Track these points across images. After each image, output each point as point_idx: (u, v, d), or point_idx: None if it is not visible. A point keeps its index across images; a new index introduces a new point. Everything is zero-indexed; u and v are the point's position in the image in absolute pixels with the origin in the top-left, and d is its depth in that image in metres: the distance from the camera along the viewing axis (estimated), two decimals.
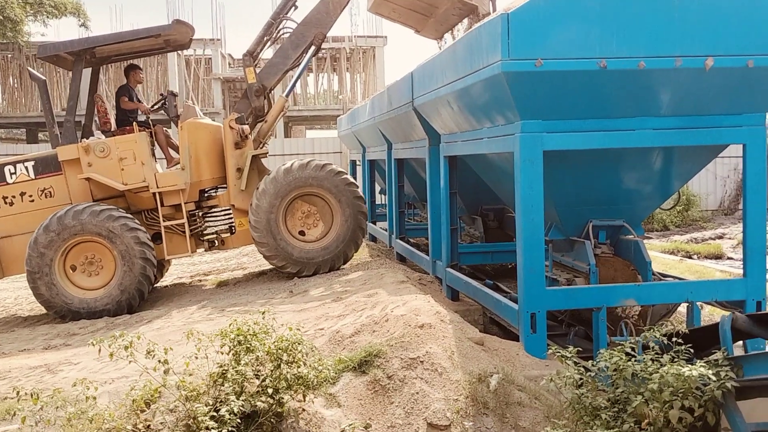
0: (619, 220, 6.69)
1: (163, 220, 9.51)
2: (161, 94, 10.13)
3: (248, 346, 4.98)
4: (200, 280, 11.14)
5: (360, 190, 9.80)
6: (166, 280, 11.67)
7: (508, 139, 5.96)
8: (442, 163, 8.09)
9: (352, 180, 9.70)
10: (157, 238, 9.58)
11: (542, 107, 5.64)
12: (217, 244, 10.13)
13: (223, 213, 10.13)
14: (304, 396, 4.89)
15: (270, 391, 4.72)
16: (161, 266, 10.84)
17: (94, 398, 4.80)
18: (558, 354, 4.81)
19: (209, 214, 10.13)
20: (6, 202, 9.40)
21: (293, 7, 10.27)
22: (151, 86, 29.26)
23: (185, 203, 9.58)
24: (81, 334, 8.04)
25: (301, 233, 9.63)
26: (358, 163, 16.98)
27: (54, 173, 9.44)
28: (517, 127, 5.74)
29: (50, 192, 9.45)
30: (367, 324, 6.07)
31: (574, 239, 6.76)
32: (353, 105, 23.66)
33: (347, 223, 9.55)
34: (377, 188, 15.70)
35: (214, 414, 4.49)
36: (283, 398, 4.79)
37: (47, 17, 31.71)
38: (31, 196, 9.42)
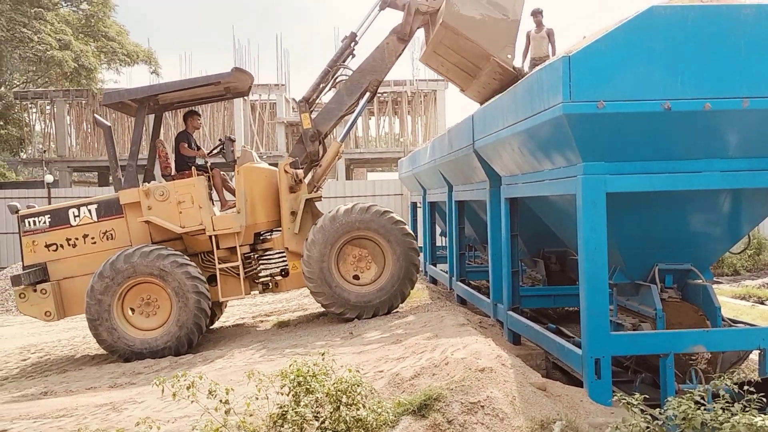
0: (686, 264, 6.50)
1: (219, 262, 9.67)
2: (220, 140, 10.38)
3: (308, 387, 4.99)
4: (261, 321, 11.25)
5: (408, 227, 9.82)
6: (228, 320, 11.82)
7: (570, 181, 5.91)
8: (503, 205, 8.04)
9: (398, 218, 9.76)
10: (212, 280, 9.74)
11: (605, 149, 5.58)
12: (271, 286, 10.24)
13: (277, 256, 10.25)
14: None
15: None
16: (217, 308, 11.01)
17: None
18: (624, 401, 4.68)
19: (264, 257, 10.25)
20: (69, 244, 9.68)
21: (350, 56, 10.47)
22: (217, 130, 30.00)
23: (240, 246, 9.73)
24: (145, 373, 8.18)
25: (356, 277, 9.70)
26: (418, 205, 17.01)
27: (115, 216, 9.71)
28: (579, 168, 5.68)
29: (111, 234, 9.70)
30: (427, 367, 6.02)
31: (640, 283, 6.60)
32: (414, 147, 23.82)
33: (399, 262, 9.59)
34: (438, 230, 15.69)
35: None
36: None
37: (120, 65, 33.01)
38: (93, 238, 9.69)
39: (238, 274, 9.77)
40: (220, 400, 4.92)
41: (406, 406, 5.31)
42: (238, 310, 12.79)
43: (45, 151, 31.13)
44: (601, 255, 5.66)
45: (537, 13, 12.58)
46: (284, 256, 10.14)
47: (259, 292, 10.41)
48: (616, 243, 6.18)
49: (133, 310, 9.28)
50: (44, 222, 9.71)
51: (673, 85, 5.38)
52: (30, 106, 32.03)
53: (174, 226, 9.51)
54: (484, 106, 8.30)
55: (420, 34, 10.60)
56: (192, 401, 4.98)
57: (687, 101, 5.37)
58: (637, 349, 6.00)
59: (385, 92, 29.97)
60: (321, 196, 10.30)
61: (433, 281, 14.16)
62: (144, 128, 10.03)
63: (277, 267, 10.29)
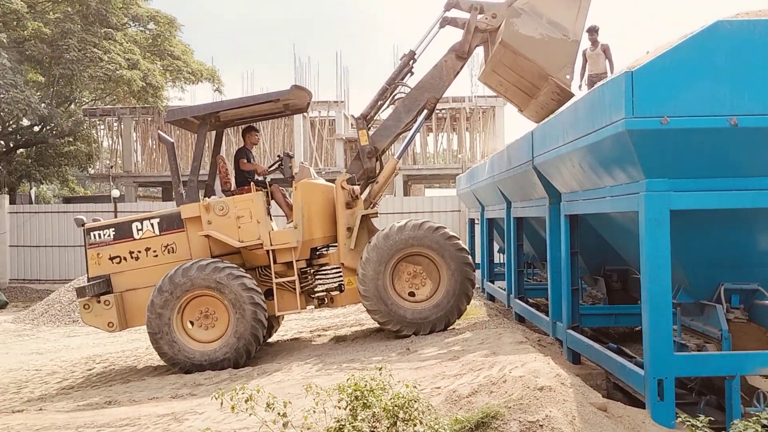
0: (753, 284, 6.31)
1: (276, 277, 9.78)
2: (278, 156, 10.50)
3: (365, 402, 5.00)
4: (319, 335, 11.32)
5: (462, 242, 9.76)
6: (286, 334, 11.93)
7: (632, 197, 5.81)
8: (562, 222, 7.95)
9: (452, 233, 9.72)
10: (269, 294, 9.86)
11: (668, 165, 5.48)
12: (326, 301, 10.29)
13: (333, 271, 10.31)
14: None
15: None
16: (275, 321, 11.13)
17: None
18: (688, 423, 4.57)
19: (320, 272, 10.33)
20: (132, 257, 9.93)
21: (409, 73, 10.52)
22: (277, 146, 30.44)
23: (296, 261, 9.83)
24: (206, 385, 8.31)
25: (411, 294, 9.68)
26: (476, 221, 16.93)
27: (177, 230, 9.93)
28: (641, 185, 5.59)
29: (173, 248, 9.92)
30: (485, 384, 5.97)
31: (705, 303, 6.44)
32: (472, 164, 23.75)
33: (455, 277, 9.55)
34: (496, 247, 15.58)
35: None
36: None
37: (185, 83, 33.79)
38: (155, 251, 9.93)
39: (294, 289, 9.86)
40: (278, 413, 4.97)
41: (464, 423, 5.27)
42: (295, 324, 12.90)
43: (112, 167, 32.03)
44: (665, 274, 5.54)
45: (593, 31, 12.48)
46: (340, 272, 10.20)
47: (315, 307, 10.47)
48: (680, 261, 6.05)
49: (192, 323, 9.45)
50: (108, 235, 9.98)
51: (740, 100, 5.26)
52: (98, 123, 33.05)
53: (233, 240, 9.66)
54: (544, 122, 8.24)
55: (479, 51, 10.60)
56: (250, 414, 5.04)
57: (755, 117, 5.24)
58: (702, 370, 5.85)
59: (443, 109, 30.00)
60: (377, 213, 10.33)
61: (491, 298, 14.05)
62: (205, 144, 10.22)
63: (333, 282, 10.35)
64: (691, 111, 5.28)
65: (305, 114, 29.27)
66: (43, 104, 27.29)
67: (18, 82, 25.27)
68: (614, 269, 9.67)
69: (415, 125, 10.27)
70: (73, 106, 31.75)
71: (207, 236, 9.76)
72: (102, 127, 33.67)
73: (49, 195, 44.86)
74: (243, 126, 11.18)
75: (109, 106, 32.28)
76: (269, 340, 11.24)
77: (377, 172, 10.39)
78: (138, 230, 9.97)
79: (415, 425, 4.86)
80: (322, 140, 32.19)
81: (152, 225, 9.99)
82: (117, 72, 26.76)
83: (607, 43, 12.52)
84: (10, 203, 24.61)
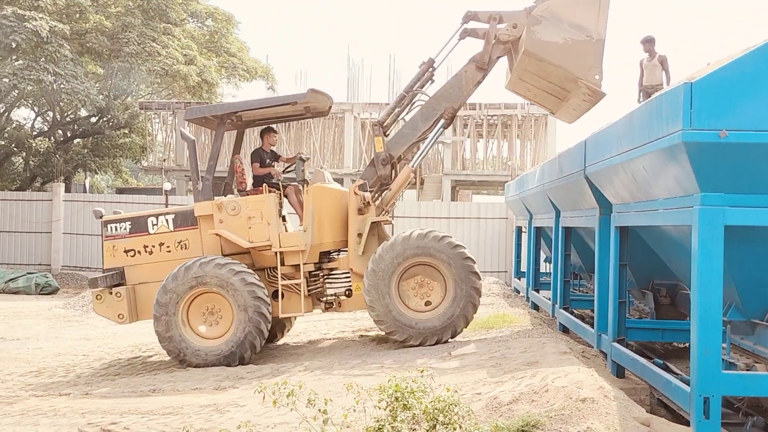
0: None
1: (283, 279, 9.82)
2: (293, 158, 10.53)
3: (405, 403, 5.01)
4: (361, 336, 11.35)
5: (468, 251, 9.61)
6: (329, 333, 11.99)
7: (686, 211, 5.71)
8: (612, 233, 7.84)
9: (457, 243, 9.60)
10: (277, 295, 9.90)
11: (725, 180, 5.37)
12: (334, 305, 10.30)
13: (343, 276, 10.30)
14: None
15: None
16: (287, 321, 11.30)
17: None
18: None
19: (330, 276, 10.33)
20: (146, 251, 10.08)
21: (430, 81, 10.47)
22: (327, 146, 30.61)
23: (304, 264, 9.85)
24: (248, 378, 8.40)
25: (418, 303, 9.61)
26: (523, 229, 16.82)
27: (191, 227, 10.05)
28: (696, 199, 5.48)
29: (186, 244, 10.04)
30: (526, 392, 5.93)
31: (756, 322, 6.29)
32: (521, 172, 23.58)
33: (460, 286, 9.43)
34: (542, 256, 15.45)
35: None
36: None
37: (239, 80, 34.24)
38: (168, 246, 10.06)
39: (301, 291, 9.91)
40: (319, 410, 5.01)
41: (504, 430, 5.23)
42: (338, 323, 12.95)
43: (165, 160, 32.59)
44: (716, 290, 5.43)
45: (646, 42, 12.26)
46: (349, 277, 10.18)
47: (322, 311, 10.49)
48: (732, 278, 5.93)
49: (197, 319, 9.54)
50: (125, 228, 10.15)
51: None
52: (153, 116, 33.65)
53: (242, 240, 9.74)
54: (597, 132, 8.14)
55: (502, 61, 10.43)
56: (291, 409, 5.09)
57: None
58: (750, 390, 5.71)
59: (495, 115, 29.85)
60: (389, 220, 10.32)
61: (535, 307, 13.93)
62: (222, 144, 10.30)
63: (342, 287, 10.33)
64: (751, 125, 5.17)
65: (356, 115, 29.43)
66: (101, 96, 27.93)
67: (78, 74, 25.92)
68: (663, 283, 9.49)
69: (431, 134, 10.19)
70: (129, 98, 32.44)
71: (218, 235, 9.86)
72: (157, 120, 34.25)
73: (102, 185, 45.86)
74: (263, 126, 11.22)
75: (164, 100, 32.83)
76: (282, 340, 11.39)
77: (391, 179, 10.34)
78: (153, 225, 10.11)
79: (454, 429, 4.86)
80: (372, 142, 32.27)
81: (167, 221, 10.12)
82: (174, 67, 27.24)
83: (665, 54, 12.28)
84: (66, 192, 25.21)
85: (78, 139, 32.22)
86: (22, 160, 32.11)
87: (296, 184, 10.43)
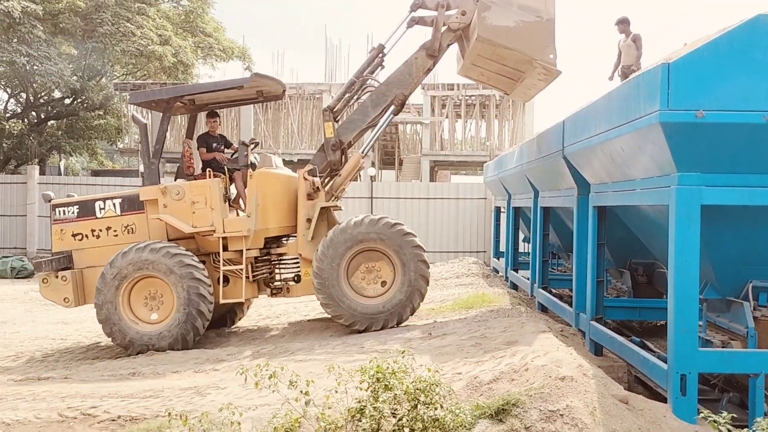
0: None
1: (226, 264, 9.80)
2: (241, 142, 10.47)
3: (387, 384, 5.04)
4: None
5: (418, 239, 9.59)
6: (310, 314, 11.99)
7: (663, 191, 5.76)
8: (590, 213, 7.91)
9: (408, 230, 9.58)
10: (224, 280, 9.90)
11: (701, 160, 5.42)
12: (283, 291, 10.33)
13: (292, 261, 10.33)
14: None
15: (406, 431, 4.74)
16: (238, 308, 11.32)
17: (239, 423, 5.01)
18: (710, 419, 4.55)
19: (278, 262, 10.35)
20: (93, 235, 10.04)
21: (380, 67, 10.45)
22: (305, 126, 30.43)
23: (247, 249, 9.81)
24: (228, 361, 8.38)
25: (366, 288, 9.62)
26: (502, 210, 16.89)
27: (137, 211, 10.00)
28: (673, 179, 5.54)
29: (132, 228, 10.00)
30: (506, 372, 5.98)
31: (732, 300, 6.39)
32: (500, 152, 23.64)
33: (409, 274, 9.44)
34: (521, 236, 15.53)
35: None
36: None
37: (216, 60, 33.90)
38: (115, 230, 10.02)
39: (247, 276, 9.91)
40: (301, 391, 5.03)
41: (484, 409, 5.29)
42: (316, 305, 12.95)
43: (140, 142, 32.28)
44: (693, 269, 5.50)
45: (621, 23, 12.32)
46: (298, 262, 10.20)
47: (269, 296, 10.49)
48: (708, 257, 6.01)
49: (140, 304, 9.53)
50: (73, 212, 10.10)
51: None
52: (128, 97, 33.25)
53: (185, 225, 9.69)
54: (575, 112, 8.17)
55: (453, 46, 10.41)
56: (273, 391, 5.10)
57: None
58: (726, 367, 5.82)
59: (473, 95, 29.83)
60: (339, 206, 10.29)
61: (514, 287, 14.02)
62: (167, 128, 10.23)
63: (290, 272, 10.36)
64: (727, 105, 5.22)
65: (334, 96, 29.31)
66: (75, 77, 27.55)
67: (51, 55, 25.52)
68: (640, 262, 9.61)
69: (381, 121, 10.17)
70: (104, 80, 32.02)
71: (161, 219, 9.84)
72: None
73: (77, 167, 45.35)
74: (239, 109, 11.14)
75: (140, 81, 32.45)
76: (238, 324, 11.41)
77: (341, 165, 10.31)
78: (100, 209, 10.07)
79: (435, 409, 4.89)
80: None
81: (114, 205, 10.07)
82: (149, 47, 26.90)
83: (638, 33, 12.35)
84: (40, 174, 24.89)
85: (52, 121, 31.79)
86: None
87: (243, 169, 10.27)
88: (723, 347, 6.28)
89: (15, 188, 23.31)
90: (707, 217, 5.51)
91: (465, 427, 5.07)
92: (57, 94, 30.89)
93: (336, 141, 10.24)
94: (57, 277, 9.93)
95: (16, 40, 24.47)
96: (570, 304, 9.15)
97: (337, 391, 5.14)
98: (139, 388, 7.10)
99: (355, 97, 10.59)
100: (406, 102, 10.34)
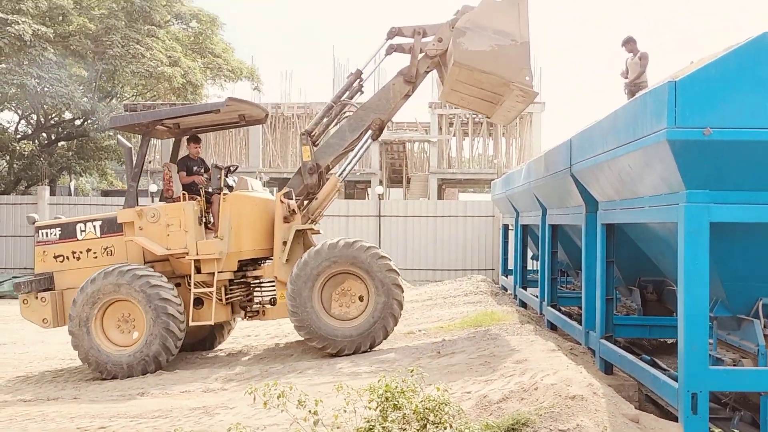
0: None
1: (198, 287, 9.77)
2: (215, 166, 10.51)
3: (395, 403, 5.02)
4: None
5: (392, 263, 9.49)
6: None
7: (671, 208, 5.76)
8: (599, 230, 7.90)
9: (383, 254, 9.50)
10: (198, 302, 9.90)
11: (709, 177, 5.42)
12: (259, 314, 10.35)
13: (268, 284, 10.34)
14: None
15: None
16: (218, 331, 11.27)
17: None
18: None
19: (256, 285, 10.39)
20: (74, 257, 10.09)
21: (359, 92, 10.48)
22: None
23: (219, 272, 9.78)
24: (237, 380, 8.38)
25: (339, 311, 9.55)
26: (510, 227, 16.87)
27: (116, 233, 10.05)
28: (681, 196, 5.53)
29: (111, 251, 10.05)
30: (516, 391, 5.96)
31: (742, 317, 6.35)
32: (507, 170, 23.64)
33: (382, 298, 9.34)
34: (529, 254, 15.51)
35: None
36: None
37: (224, 81, 34.12)
38: (95, 253, 10.07)
39: (220, 299, 9.91)
40: (309, 411, 5.01)
41: (494, 429, 5.25)
42: None
43: (150, 162, 32.45)
44: (702, 286, 5.48)
45: (626, 42, 12.44)
46: (274, 285, 10.20)
47: (243, 318, 10.52)
48: (718, 274, 5.98)
49: (114, 328, 9.52)
50: (55, 234, 10.18)
51: None
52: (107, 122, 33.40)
53: (159, 247, 9.70)
54: (583, 130, 8.18)
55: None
56: (282, 410, 5.08)
57: None
58: (737, 385, 5.78)
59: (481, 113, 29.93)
60: (315, 228, 10.26)
61: (523, 305, 13.98)
62: (146, 151, 10.34)
63: (267, 295, 10.37)
64: (735, 123, 5.22)
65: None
66: (85, 98, 27.76)
67: (62, 77, 25.75)
68: (650, 280, 9.57)
69: (359, 145, 10.16)
70: (114, 101, 32.24)
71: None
72: None
73: (87, 188, 45.57)
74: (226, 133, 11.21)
75: (149, 102, 32.68)
76: (221, 346, 11.38)
77: (318, 188, 10.31)
78: (81, 231, 10.13)
79: (445, 428, 4.87)
80: None
81: (94, 227, 10.14)
82: (158, 68, 27.11)
83: (645, 51, 12.42)
84: (51, 194, 25.04)
85: (62, 142, 32.01)
86: (6, 164, 31.86)
87: (216, 192, 10.21)
88: (734, 365, 6.24)
89: (25, 209, 23.43)
90: (716, 235, 5.50)
91: None
92: (67, 116, 31.14)
93: (313, 165, 10.24)
94: (36, 298, 9.98)
95: (27, 62, 24.71)
96: (579, 322, 9.11)
97: (345, 411, 5.13)
98: (148, 408, 7.10)
99: (335, 121, 10.59)
100: (385, 126, 10.36)
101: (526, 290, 14.07)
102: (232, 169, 10.61)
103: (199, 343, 11.12)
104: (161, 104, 31.45)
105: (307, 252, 9.56)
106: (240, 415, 6.47)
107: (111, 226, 10.08)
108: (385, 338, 9.53)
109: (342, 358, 9.18)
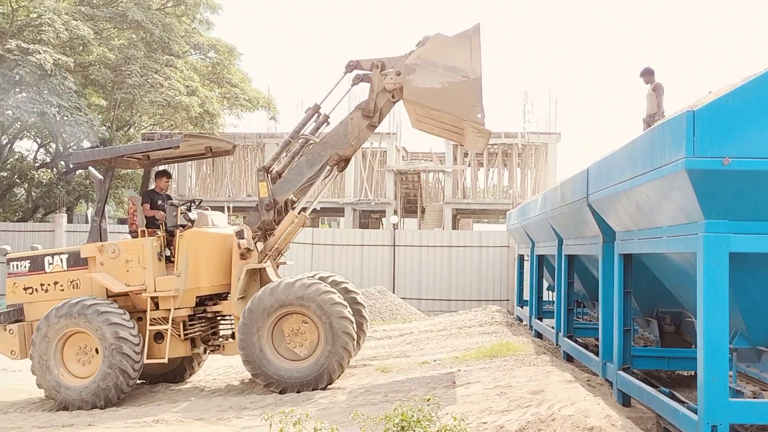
0: None
1: (156, 323, 9.75)
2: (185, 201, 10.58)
3: None
4: (365, 365, 11.30)
5: (347, 311, 9.32)
6: None
7: (690, 239, 5.72)
8: (616, 261, 7.85)
9: (339, 300, 9.34)
10: (160, 337, 9.88)
11: (729, 207, 5.39)
12: (218, 348, 10.41)
13: (225, 319, 10.38)
14: None
15: None
16: (188, 364, 11.17)
17: None
18: None
19: (221, 319, 10.43)
20: (42, 289, 10.18)
21: (325, 124, 10.45)
22: None
23: (176, 308, 9.74)
24: (251, 408, 8.36)
25: (288, 349, 9.44)
26: (526, 258, 16.82)
27: (81, 267, 10.09)
28: (700, 226, 5.50)
29: (77, 284, 10.08)
30: (533, 422, 5.90)
31: (762, 349, 6.27)
32: (522, 200, 23.63)
33: (331, 343, 9.17)
34: (545, 284, 15.43)
35: None
36: None
37: (241, 110, 34.44)
38: (62, 285, 10.13)
39: (179, 335, 9.90)
40: None
41: None
42: None
43: (96, 197, 32.69)
44: (722, 317, 5.42)
45: (644, 74, 12.52)
46: (232, 321, 10.22)
47: (202, 353, 10.62)
48: (738, 305, 5.92)
49: (72, 358, 9.54)
50: (24, 266, 10.30)
51: None
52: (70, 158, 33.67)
53: (117, 284, 9.73)
54: (599, 160, 8.18)
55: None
56: None
57: None
58: (758, 418, 5.68)
59: (495, 144, 29.97)
60: (281, 262, 10.32)
61: (539, 336, 13.87)
62: (108, 186, 10.54)
63: (225, 330, 10.41)
64: (754, 153, 5.21)
65: None
66: (103, 127, 28.07)
67: (81, 105, 26.07)
68: (668, 311, 9.47)
69: (318, 180, 10.19)
70: (132, 129, 32.59)
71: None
72: None
73: None
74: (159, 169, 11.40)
75: (167, 131, 33.03)
76: (190, 379, 11.27)
77: (276, 224, 10.25)
78: (49, 264, 10.22)
79: None
80: (373, 171, 32.39)
81: (61, 260, 10.22)
82: (176, 98, 27.42)
83: (659, 82, 12.48)
84: (68, 222, 25.24)
85: (80, 170, 32.32)
86: (24, 191, 32.19)
87: (172, 229, 10.13)
88: (754, 398, 6.16)
89: (43, 236, 23.62)
90: (736, 265, 5.45)
91: None
92: (86, 144, 31.49)
93: (270, 201, 10.16)
94: (5, 330, 10.06)
95: (47, 91, 25.06)
96: (596, 354, 9.03)
97: None
98: None
99: (298, 157, 10.48)
100: (349, 159, 10.37)
101: (541, 321, 13.97)
102: (194, 204, 10.70)
103: (169, 374, 11.05)
104: (178, 133, 31.77)
105: (263, 289, 9.50)
106: None
107: (77, 260, 10.15)
108: (330, 383, 9.32)
109: (357, 388, 9.13)
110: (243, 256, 9.95)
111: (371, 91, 9.92)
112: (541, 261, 14.52)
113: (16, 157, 31.22)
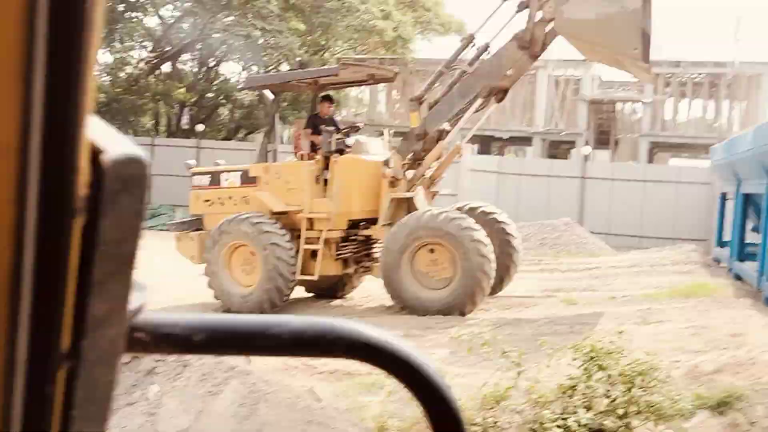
0: None
1: (307, 242, 10.11)
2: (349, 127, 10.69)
3: (600, 364, 4.91)
4: (548, 296, 11.21)
5: (479, 234, 9.25)
6: (516, 290, 11.91)
7: None
8: None
9: (478, 237, 9.22)
10: (314, 256, 10.19)
11: None
12: (369, 270, 10.72)
13: (374, 243, 10.58)
14: (656, 424, 4.68)
15: (620, 412, 4.60)
16: (346, 281, 11.40)
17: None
18: None
19: (368, 243, 10.68)
20: (219, 202, 10.83)
21: (486, 53, 10.04)
22: (518, 102, 30.11)
23: (328, 230, 10.03)
24: (436, 329, 8.59)
25: (428, 280, 9.56)
26: (728, 196, 15.78)
27: (251, 185, 10.60)
28: None
29: (247, 200, 10.56)
30: (730, 364, 5.65)
31: None
32: (728, 135, 22.02)
33: (469, 268, 9.16)
34: (749, 225, 14.43)
35: (561, 422, 4.51)
36: (631, 422, 4.64)
37: (433, 35, 34.28)
38: (235, 200, 10.72)
39: (331, 255, 10.21)
40: (513, 362, 5.03)
41: (705, 400, 5.03)
42: (530, 283, 12.82)
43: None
44: None
45: None
46: (378, 245, 10.39)
47: (351, 274, 10.89)
48: None
49: (238, 266, 10.22)
50: (206, 181, 11.01)
51: None
52: (241, 82, 34.53)
53: (279, 203, 10.17)
54: None
55: None
56: (484, 359, 5.16)
57: None
58: None
59: (701, 73, 27.97)
60: (424, 193, 10.28)
61: (738, 279, 13.08)
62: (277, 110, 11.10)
63: (372, 253, 10.68)
64: None
65: (550, 72, 28.76)
66: (301, 51, 29.06)
67: (282, 29, 27.09)
68: None
69: (469, 112, 9.91)
70: (326, 54, 33.52)
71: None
72: None
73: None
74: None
75: (360, 56, 33.66)
76: (338, 297, 11.53)
77: (424, 154, 10.15)
78: (225, 180, 10.87)
79: (652, 394, 4.71)
80: (565, 100, 31.34)
81: (236, 177, 10.81)
82: (371, 22, 27.75)
83: None
84: (268, 143, 26.67)
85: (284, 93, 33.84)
86: (228, 112, 34.25)
87: (328, 155, 10.40)
88: None
89: (244, 155, 25.10)
90: None
91: (683, 415, 4.85)
92: (284, 67, 32.84)
93: (421, 131, 10.12)
94: (188, 236, 11.02)
95: (251, 14, 26.21)
96: None
97: (548, 366, 5.11)
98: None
99: (446, 88, 10.40)
100: (504, 91, 10.03)
101: (743, 263, 13.14)
102: (353, 129, 10.94)
103: (328, 290, 11.45)
104: (371, 59, 32.31)
105: (407, 217, 9.76)
106: (439, 360, 6.63)
107: (247, 178, 10.79)
108: (472, 308, 9.48)
109: (541, 318, 9.11)
110: (392, 184, 10.16)
111: (528, 20, 9.37)
112: (748, 200, 13.56)
113: (221, 79, 33.10)
